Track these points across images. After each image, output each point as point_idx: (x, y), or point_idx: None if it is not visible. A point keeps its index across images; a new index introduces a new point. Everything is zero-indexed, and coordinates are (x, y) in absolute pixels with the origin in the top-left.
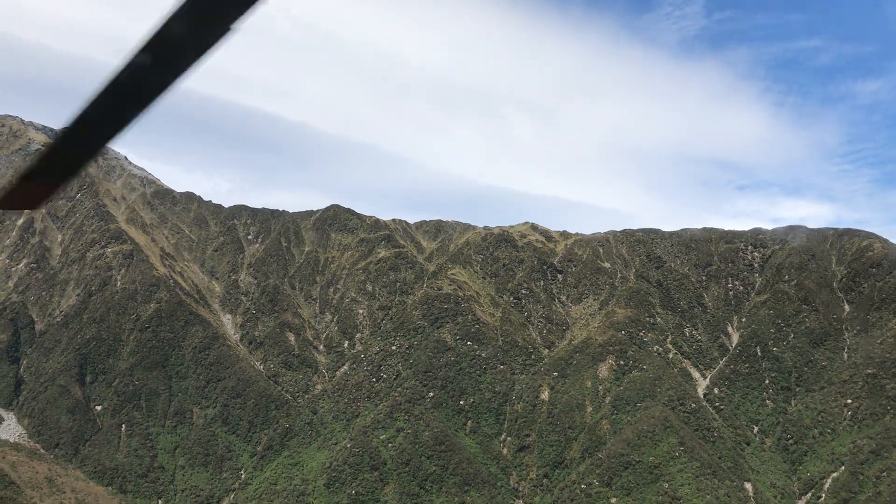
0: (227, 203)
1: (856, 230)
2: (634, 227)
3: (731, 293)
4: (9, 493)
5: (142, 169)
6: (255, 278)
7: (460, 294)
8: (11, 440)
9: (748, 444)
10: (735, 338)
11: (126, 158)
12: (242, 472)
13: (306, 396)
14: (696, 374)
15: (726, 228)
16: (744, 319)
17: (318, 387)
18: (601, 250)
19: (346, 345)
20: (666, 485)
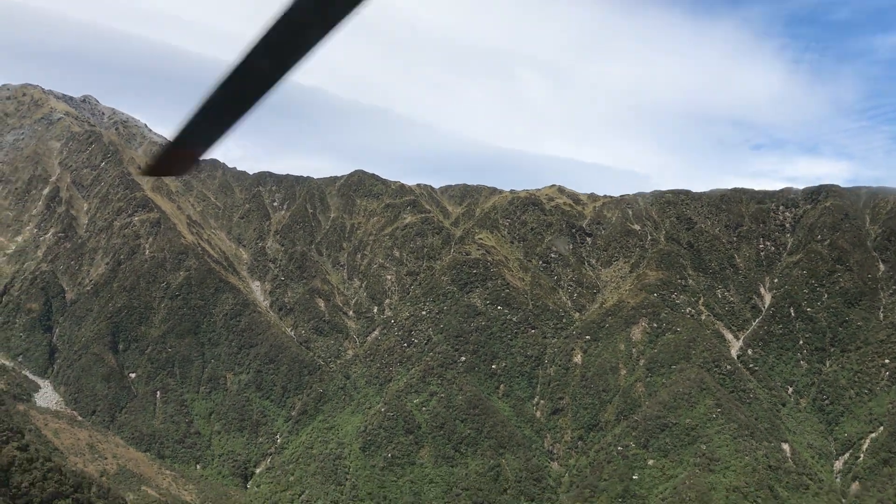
0: (251, 170)
1: (890, 188)
2: (662, 189)
3: (762, 254)
4: (56, 459)
5: (161, 136)
6: (282, 245)
7: (489, 259)
8: (50, 408)
9: (783, 405)
10: (767, 299)
11: (146, 126)
12: (278, 436)
13: (338, 361)
14: (729, 336)
15: (756, 188)
16: (776, 280)
17: (350, 352)
18: (630, 212)
19: (375, 310)
20: (703, 446)
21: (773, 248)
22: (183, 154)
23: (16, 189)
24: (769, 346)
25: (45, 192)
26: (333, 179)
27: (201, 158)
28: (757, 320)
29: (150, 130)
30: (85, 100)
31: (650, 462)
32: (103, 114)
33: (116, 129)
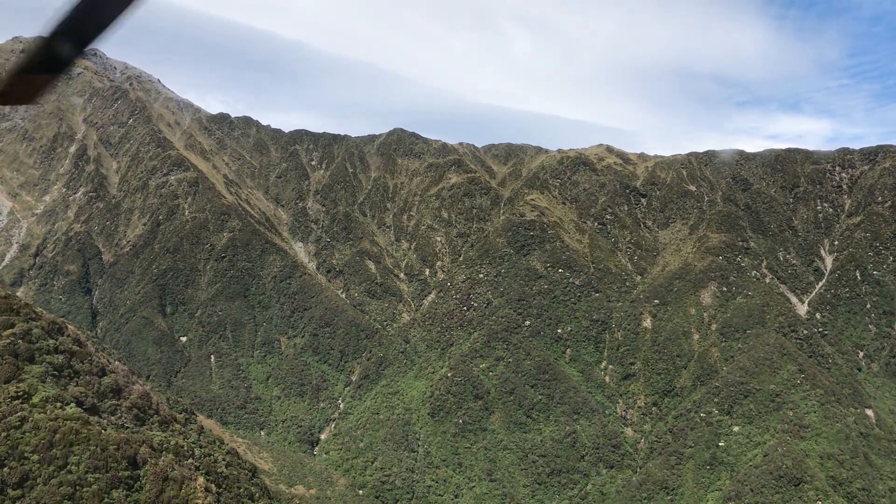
0: (286, 128)
1: None
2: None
3: (820, 215)
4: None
5: (172, 92)
6: (324, 205)
7: (545, 220)
8: None
9: (859, 369)
10: (829, 261)
11: (160, 81)
12: (340, 401)
13: (394, 325)
14: (793, 299)
15: (811, 149)
16: (836, 242)
17: (405, 315)
18: (685, 172)
19: (427, 273)
20: (790, 412)
21: (830, 210)
22: (34, 80)
23: (40, 147)
24: (836, 309)
25: (72, 150)
26: (372, 138)
27: (52, 84)
28: (821, 283)
29: (164, 86)
30: (95, 53)
31: (735, 428)
32: (115, 68)
33: (130, 84)
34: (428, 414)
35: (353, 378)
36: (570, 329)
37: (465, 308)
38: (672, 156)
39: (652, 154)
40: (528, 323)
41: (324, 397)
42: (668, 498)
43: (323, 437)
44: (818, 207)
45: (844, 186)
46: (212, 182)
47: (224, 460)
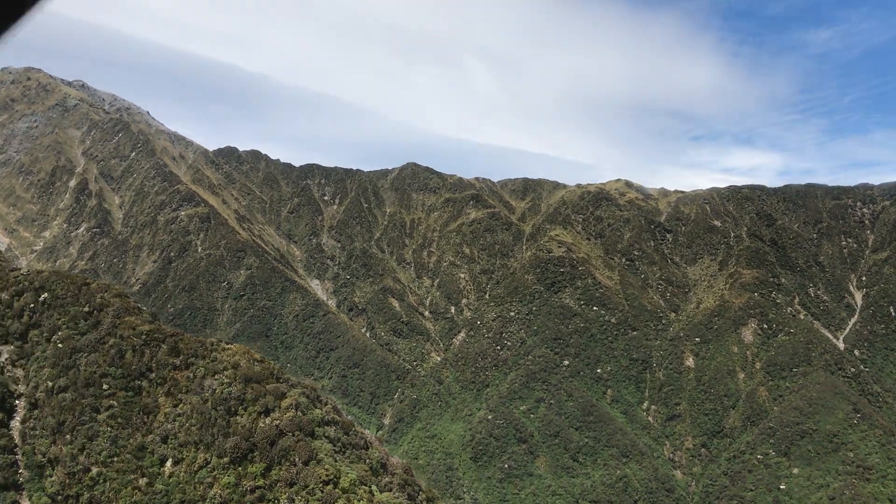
0: (296, 162)
1: None
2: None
3: (845, 251)
4: None
5: (163, 125)
6: (339, 241)
7: (574, 256)
8: None
9: None
10: (858, 297)
11: (149, 114)
12: None
13: (425, 365)
14: (827, 335)
15: (831, 184)
16: (864, 278)
17: (435, 355)
18: (708, 208)
19: (453, 311)
20: (850, 454)
21: (854, 245)
22: None
23: (38, 181)
24: (874, 346)
25: (72, 184)
26: (385, 172)
27: None
28: (854, 320)
29: (154, 119)
30: (83, 85)
31: (795, 470)
32: (103, 100)
33: (120, 116)
34: (470, 458)
35: (386, 421)
36: (609, 369)
37: (498, 347)
38: (693, 191)
39: (672, 189)
40: (566, 363)
41: None
42: None
43: None
44: (843, 243)
45: (867, 222)
46: (224, 217)
47: None
